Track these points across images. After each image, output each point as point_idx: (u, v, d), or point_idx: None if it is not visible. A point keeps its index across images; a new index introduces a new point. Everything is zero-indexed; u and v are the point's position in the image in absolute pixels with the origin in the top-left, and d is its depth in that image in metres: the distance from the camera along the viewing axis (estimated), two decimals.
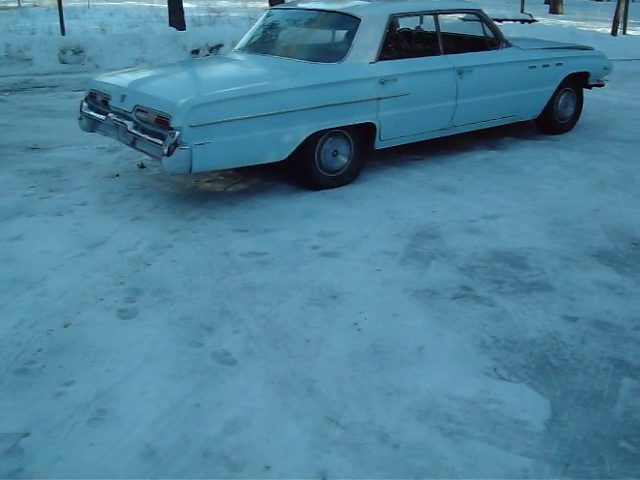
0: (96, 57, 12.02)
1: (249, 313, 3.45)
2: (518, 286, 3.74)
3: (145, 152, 4.91)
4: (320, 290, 3.68)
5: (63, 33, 12.95)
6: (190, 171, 4.57)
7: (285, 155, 4.94)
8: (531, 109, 6.71)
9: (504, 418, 2.67)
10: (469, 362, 3.04)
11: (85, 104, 5.60)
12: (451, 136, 6.18)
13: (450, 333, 3.26)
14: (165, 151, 4.46)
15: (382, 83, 5.33)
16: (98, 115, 5.34)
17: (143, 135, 4.76)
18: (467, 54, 6.10)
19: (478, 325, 3.33)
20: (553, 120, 7.00)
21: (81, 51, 12.09)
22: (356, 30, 5.40)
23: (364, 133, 5.42)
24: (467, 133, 6.33)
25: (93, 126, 5.51)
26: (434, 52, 5.91)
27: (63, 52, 12.02)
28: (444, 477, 2.37)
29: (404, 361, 3.04)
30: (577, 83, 7.07)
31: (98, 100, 5.44)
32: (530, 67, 6.45)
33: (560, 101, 6.95)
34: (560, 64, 6.75)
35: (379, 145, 5.55)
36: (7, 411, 2.75)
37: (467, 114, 6.06)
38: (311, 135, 5.00)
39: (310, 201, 5.03)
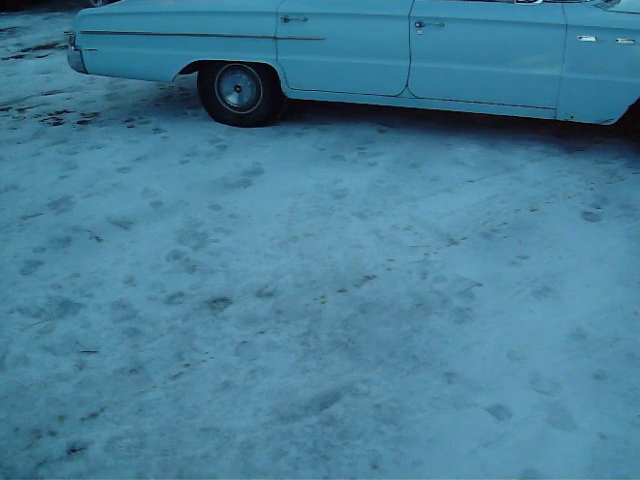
0: None
1: None
2: None
3: None
4: None
5: None
6: (86, 72, 5.18)
7: (170, 78, 5.00)
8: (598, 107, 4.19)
9: None
10: None
11: None
12: None
13: None
14: (67, 47, 5.32)
15: (285, 21, 4.55)
16: None
17: None
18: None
19: None
20: None
21: None
22: None
23: (271, 75, 4.82)
24: None
25: None
26: None
27: None
28: None
29: None
30: None
31: None
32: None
33: None
34: None
35: (291, 94, 4.85)
36: (467, 262, 3.21)
37: (440, 83, 4.40)
38: (204, 63, 4.92)
39: None
